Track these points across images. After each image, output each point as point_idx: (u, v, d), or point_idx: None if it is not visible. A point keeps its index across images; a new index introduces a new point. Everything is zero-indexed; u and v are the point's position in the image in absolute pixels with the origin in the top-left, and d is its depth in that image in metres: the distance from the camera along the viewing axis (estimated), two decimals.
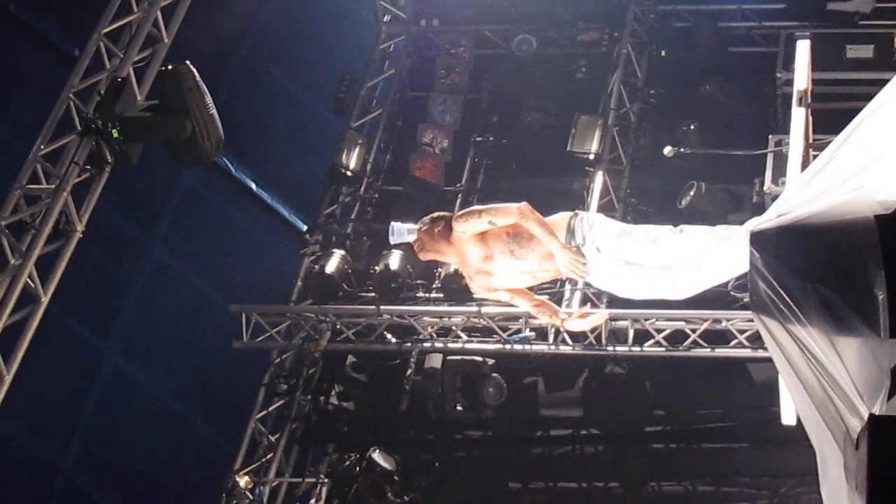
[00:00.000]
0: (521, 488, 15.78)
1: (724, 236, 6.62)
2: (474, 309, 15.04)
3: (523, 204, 7.06)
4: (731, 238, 6.57)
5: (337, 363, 16.04)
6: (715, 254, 6.64)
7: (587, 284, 14.24)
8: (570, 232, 6.98)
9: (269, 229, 18.74)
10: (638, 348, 14.63)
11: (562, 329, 7.60)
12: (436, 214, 7.34)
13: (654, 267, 6.85)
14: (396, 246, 7.36)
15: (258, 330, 15.84)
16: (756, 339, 13.78)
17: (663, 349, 14.60)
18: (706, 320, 14.36)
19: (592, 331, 14.21)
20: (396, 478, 15.50)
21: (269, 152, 18.31)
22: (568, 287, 14.62)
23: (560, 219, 7.13)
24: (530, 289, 7.45)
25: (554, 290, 14.46)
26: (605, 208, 15.20)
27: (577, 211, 7.22)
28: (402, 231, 7.22)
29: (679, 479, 15.27)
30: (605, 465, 15.58)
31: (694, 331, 14.46)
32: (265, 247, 17.75)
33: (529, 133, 17.43)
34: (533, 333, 14.95)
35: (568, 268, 6.87)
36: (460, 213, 7.23)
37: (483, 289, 7.33)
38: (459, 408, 15.44)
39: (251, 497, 15.37)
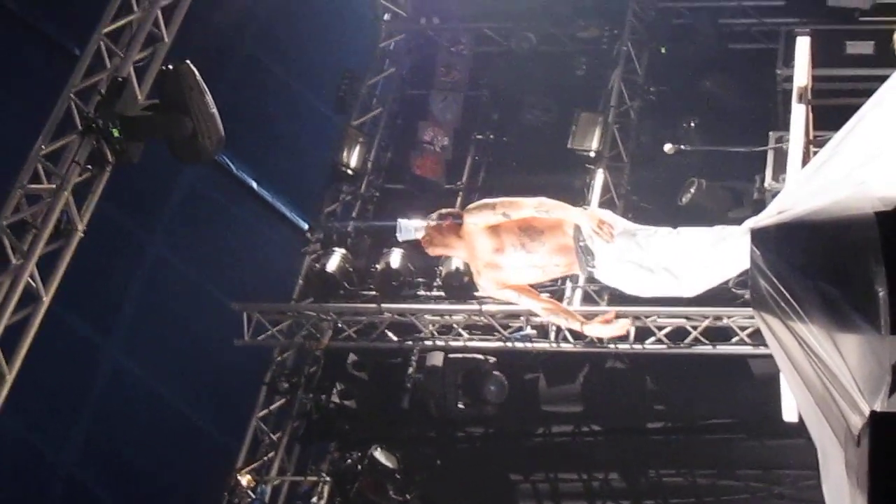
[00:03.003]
0: (522, 481, 15.79)
1: (721, 236, 6.60)
2: (475, 307, 15.03)
3: (540, 197, 7.06)
4: (728, 238, 6.54)
5: (338, 361, 16.06)
6: (712, 254, 6.63)
7: (588, 281, 14.31)
8: (579, 227, 6.96)
9: (269, 228, 18.71)
10: (639, 345, 14.63)
11: (582, 333, 7.44)
12: (444, 210, 7.32)
13: (655, 266, 6.83)
14: (404, 243, 7.31)
15: (259, 328, 15.84)
16: (757, 336, 13.74)
17: (665, 346, 14.59)
18: (707, 317, 14.34)
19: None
20: (398, 476, 15.51)
21: (270, 151, 18.28)
22: (569, 284, 14.63)
23: None
24: (537, 285, 7.42)
25: (555, 288, 14.47)
26: (606, 205, 15.17)
27: (585, 206, 7.23)
28: (410, 228, 7.19)
29: (679, 472, 15.28)
30: (606, 458, 15.58)
31: (695, 328, 14.44)
32: (266, 245, 17.73)
33: (530, 130, 17.43)
34: (534, 331, 14.94)
35: (595, 231, 6.82)
36: (473, 204, 7.20)
37: (492, 284, 7.28)
38: (461, 405, 15.44)
39: (253, 496, 15.39)
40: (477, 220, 7.09)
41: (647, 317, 14.37)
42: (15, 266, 12.10)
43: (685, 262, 6.72)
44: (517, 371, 15.67)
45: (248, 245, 17.39)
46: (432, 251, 7.34)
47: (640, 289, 7.03)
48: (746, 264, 5.94)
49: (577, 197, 15.46)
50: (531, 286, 7.38)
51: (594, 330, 7.30)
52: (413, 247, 7.50)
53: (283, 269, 16.88)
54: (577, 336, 14.58)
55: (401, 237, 7.26)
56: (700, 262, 6.69)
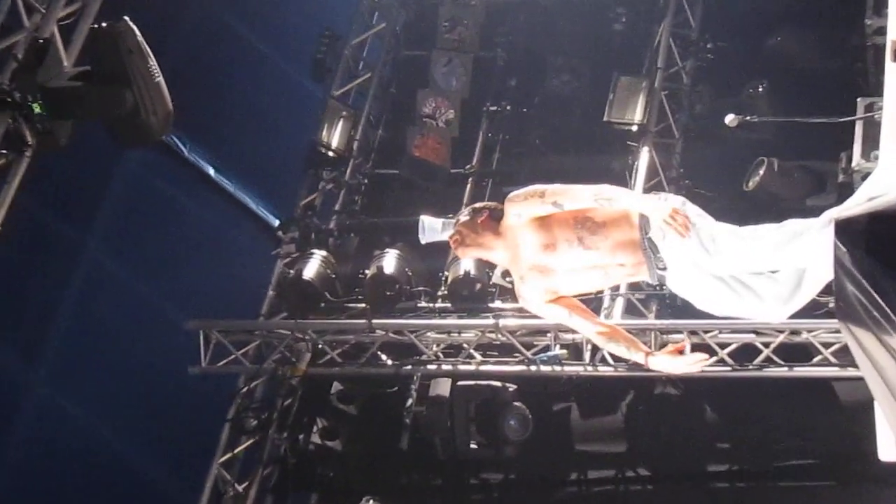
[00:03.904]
0: None
1: (797, 231, 6.53)
2: (490, 321, 14.99)
3: (601, 185, 7.00)
4: (806, 232, 6.48)
5: (320, 392, 16.07)
6: (786, 256, 6.55)
7: (631, 288, 14.27)
8: (647, 218, 6.91)
9: (232, 225, 18.72)
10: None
11: (646, 366, 7.39)
12: (479, 204, 7.32)
13: (724, 274, 6.78)
14: (428, 244, 7.27)
15: (221, 351, 15.87)
16: (845, 354, 13.72)
17: (729, 368, 14.52)
18: (782, 332, 14.29)
19: None
20: None
21: (231, 129, 18.29)
22: (608, 291, 14.56)
23: None
24: (582, 295, 7.37)
25: (591, 297, 14.42)
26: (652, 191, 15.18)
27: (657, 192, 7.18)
28: (436, 227, 7.20)
29: None
30: None
31: (767, 345, 14.38)
32: (228, 247, 17.74)
33: (556, 100, 17.45)
34: (564, 351, 14.89)
35: (667, 222, 6.75)
36: (516, 192, 7.18)
37: (538, 293, 7.25)
38: (474, 445, 15.44)
39: None
40: (521, 210, 7.06)
41: (706, 332, 14.31)
42: None
43: (758, 269, 6.67)
44: (544, 401, 15.67)
45: (206, 247, 17.40)
46: (463, 253, 7.35)
47: (715, 306, 6.99)
48: (829, 267, 5.90)
49: (616, 182, 15.36)
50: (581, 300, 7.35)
51: (661, 363, 7.26)
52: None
53: (250, 278, 16.89)
54: (617, 357, 14.54)
55: (424, 238, 7.26)
56: (778, 268, 6.62)
